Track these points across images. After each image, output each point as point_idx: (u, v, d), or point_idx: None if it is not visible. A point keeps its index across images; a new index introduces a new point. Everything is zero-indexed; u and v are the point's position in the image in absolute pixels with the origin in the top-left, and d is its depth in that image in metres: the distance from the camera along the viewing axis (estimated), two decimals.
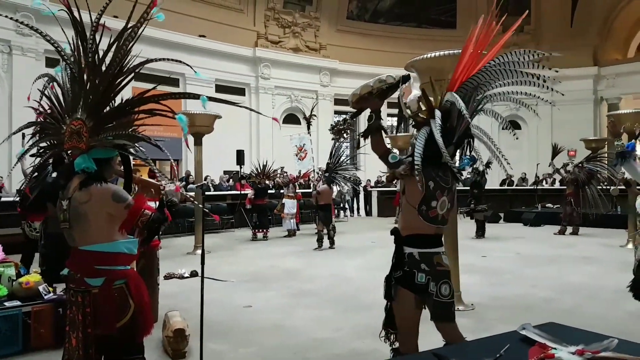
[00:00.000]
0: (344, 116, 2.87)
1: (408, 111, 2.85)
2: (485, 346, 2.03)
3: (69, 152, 2.64)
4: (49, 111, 2.69)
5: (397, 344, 2.96)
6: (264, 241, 11.82)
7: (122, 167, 2.82)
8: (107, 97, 2.58)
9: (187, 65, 2.84)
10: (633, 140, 4.46)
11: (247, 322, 5.16)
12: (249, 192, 12.75)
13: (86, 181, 2.48)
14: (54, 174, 3.01)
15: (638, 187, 4.58)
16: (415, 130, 2.88)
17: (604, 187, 10.83)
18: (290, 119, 20.11)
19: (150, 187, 3.09)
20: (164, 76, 13.61)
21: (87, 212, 2.46)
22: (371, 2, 22.07)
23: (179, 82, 16.51)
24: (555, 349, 1.81)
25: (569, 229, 12.20)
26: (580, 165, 12.03)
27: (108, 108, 2.60)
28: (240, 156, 14.69)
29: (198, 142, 10.37)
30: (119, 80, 2.57)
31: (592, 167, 11.73)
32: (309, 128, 13.28)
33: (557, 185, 16.74)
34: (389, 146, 2.90)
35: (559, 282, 6.84)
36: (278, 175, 14.62)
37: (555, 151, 12.84)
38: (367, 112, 2.97)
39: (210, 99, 2.58)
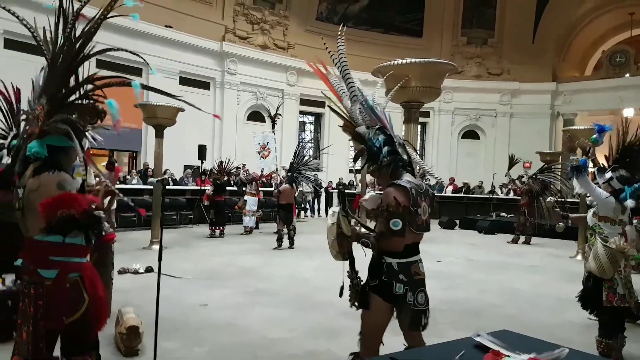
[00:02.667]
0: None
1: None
2: (441, 352, 2.05)
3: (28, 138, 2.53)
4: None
5: (357, 349, 2.97)
6: (220, 238, 11.67)
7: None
8: (65, 81, 2.50)
9: (140, 56, 2.78)
10: (584, 157, 4.61)
11: (201, 320, 5.07)
12: (208, 188, 12.56)
13: (39, 168, 2.39)
14: (6, 160, 2.85)
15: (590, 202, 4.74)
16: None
17: (557, 199, 11.13)
18: (255, 116, 19.93)
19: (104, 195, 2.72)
20: (127, 65, 13.27)
21: (35, 200, 2.35)
22: (341, 5, 22.17)
23: (142, 71, 16.07)
24: (508, 356, 1.85)
25: (522, 238, 12.58)
26: (534, 176, 12.45)
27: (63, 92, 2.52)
28: (202, 151, 14.45)
29: (159, 135, 10.11)
30: (77, 64, 2.50)
31: (545, 178, 12.14)
32: (273, 127, 13.17)
33: (511, 195, 17.21)
34: (374, 225, 2.92)
35: (505, 289, 7.07)
36: (241, 172, 14.47)
37: (512, 162, 13.25)
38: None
39: (144, 87, 2.53)
